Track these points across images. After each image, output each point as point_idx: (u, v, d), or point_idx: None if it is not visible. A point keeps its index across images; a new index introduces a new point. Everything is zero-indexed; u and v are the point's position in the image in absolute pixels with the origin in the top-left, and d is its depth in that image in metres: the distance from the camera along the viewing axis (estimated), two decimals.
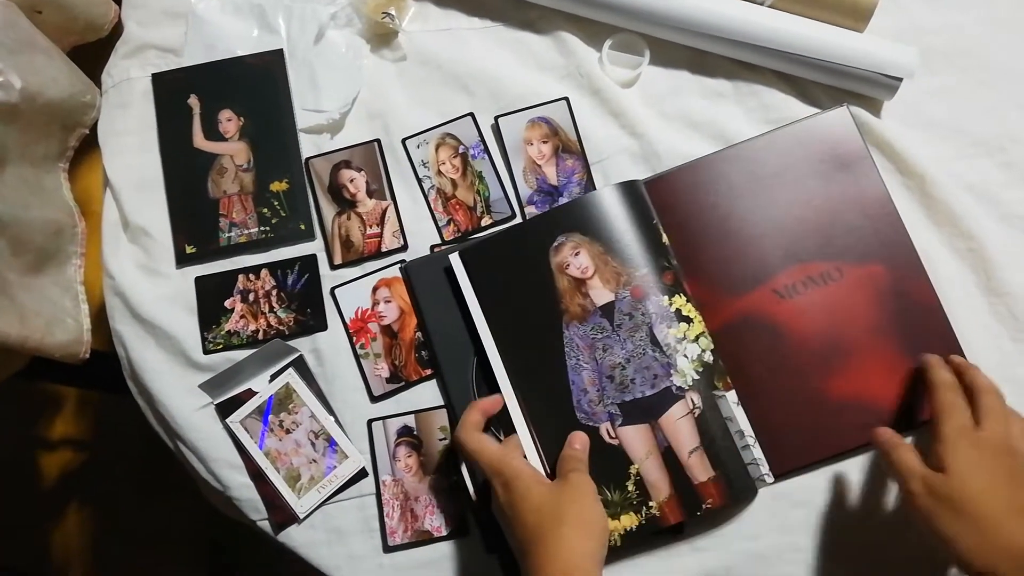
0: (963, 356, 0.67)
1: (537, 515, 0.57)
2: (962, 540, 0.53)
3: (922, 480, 0.56)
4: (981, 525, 0.53)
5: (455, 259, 0.70)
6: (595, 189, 0.73)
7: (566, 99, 0.76)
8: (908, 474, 0.56)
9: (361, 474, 0.70)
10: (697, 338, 0.66)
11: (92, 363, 0.84)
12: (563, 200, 0.73)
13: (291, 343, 0.73)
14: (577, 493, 0.59)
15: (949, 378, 0.61)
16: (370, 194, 0.75)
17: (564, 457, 0.63)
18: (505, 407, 0.67)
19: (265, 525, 0.70)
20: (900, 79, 0.72)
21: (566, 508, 0.57)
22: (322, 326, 0.73)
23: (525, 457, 0.64)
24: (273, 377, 0.72)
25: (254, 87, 0.78)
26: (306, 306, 0.73)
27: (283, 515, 0.70)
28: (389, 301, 0.73)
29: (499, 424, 0.67)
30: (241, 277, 0.74)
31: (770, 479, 0.65)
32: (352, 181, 0.76)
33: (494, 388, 0.68)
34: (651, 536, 0.65)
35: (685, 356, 0.65)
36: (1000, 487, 0.54)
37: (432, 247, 0.74)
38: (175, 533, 1.39)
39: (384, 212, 0.75)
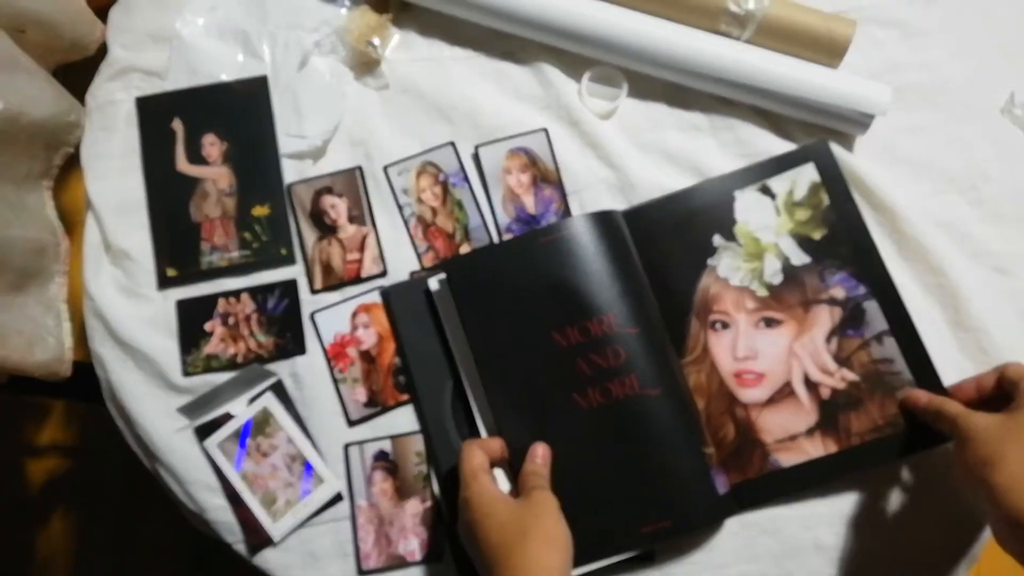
0: (942, 385, 0.68)
1: (501, 533, 0.57)
2: (1008, 460, 0.55)
3: (976, 417, 0.59)
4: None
5: (434, 282, 0.71)
6: None
7: (545, 130, 0.77)
8: (964, 415, 0.60)
9: (337, 498, 0.71)
10: None
11: (76, 377, 0.84)
12: None
13: (270, 367, 0.73)
14: (540, 509, 0.59)
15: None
16: (351, 220, 0.76)
17: (526, 473, 0.63)
18: (476, 427, 0.68)
19: (241, 547, 0.71)
20: (873, 116, 0.73)
21: (529, 524, 0.57)
22: (301, 350, 0.74)
23: (494, 477, 0.65)
24: (251, 401, 0.73)
25: (238, 112, 0.78)
26: (286, 330, 0.74)
27: (258, 538, 0.70)
28: (368, 326, 0.74)
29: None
30: (222, 301, 0.75)
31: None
32: (333, 207, 0.77)
33: (470, 412, 0.69)
34: (621, 561, 0.66)
35: None
36: None
37: (411, 273, 0.75)
38: (160, 541, 1.39)
39: (364, 238, 0.76)
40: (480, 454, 0.63)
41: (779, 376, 0.69)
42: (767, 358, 0.69)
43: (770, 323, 0.70)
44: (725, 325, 0.70)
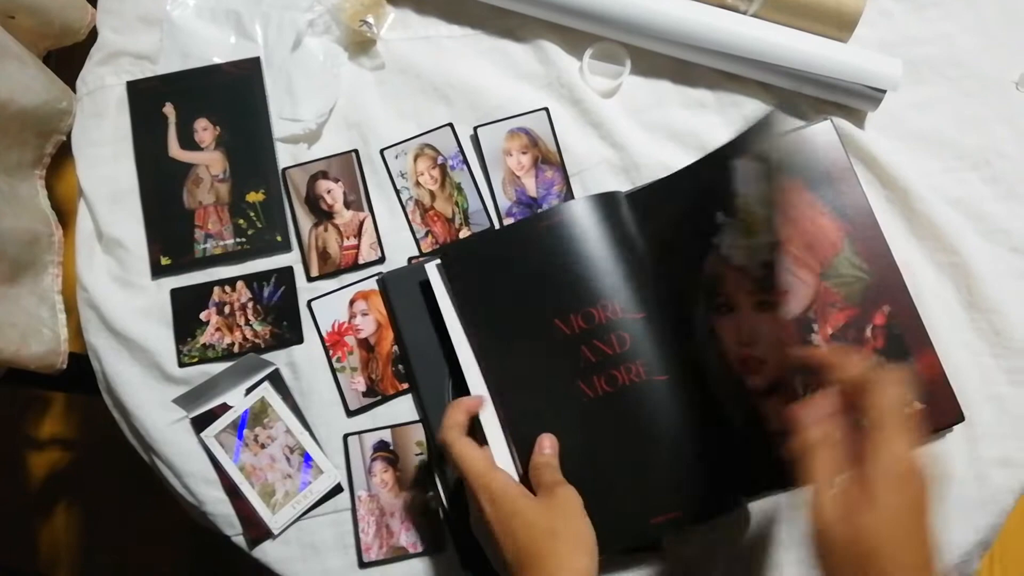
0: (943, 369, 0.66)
1: (529, 533, 0.55)
2: None
3: (832, 521, 0.47)
4: None
5: (431, 268, 0.69)
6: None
7: (546, 109, 0.75)
8: (817, 506, 0.48)
9: (336, 489, 0.70)
10: None
11: (74, 368, 0.83)
12: None
13: (267, 356, 0.72)
14: (567, 510, 0.57)
15: (890, 379, 0.51)
16: (347, 205, 0.75)
17: (537, 465, 0.61)
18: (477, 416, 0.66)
19: (240, 540, 0.70)
20: (884, 91, 0.71)
21: (559, 525, 0.56)
22: (298, 339, 0.72)
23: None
24: (248, 391, 0.71)
25: (230, 96, 0.77)
26: (282, 319, 0.73)
27: (258, 531, 0.69)
28: (366, 314, 0.72)
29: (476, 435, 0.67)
30: (217, 289, 0.74)
31: None
32: (329, 192, 0.75)
33: None
34: (630, 552, 0.64)
35: None
36: (916, 537, 0.46)
37: (410, 259, 0.74)
38: (164, 532, 1.39)
39: (361, 224, 0.74)
40: (483, 451, 0.61)
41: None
42: (766, 344, 0.66)
43: (766, 306, 0.67)
44: (729, 308, 0.68)
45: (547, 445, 0.63)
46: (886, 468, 0.47)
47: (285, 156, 0.76)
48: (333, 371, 0.71)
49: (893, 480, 0.46)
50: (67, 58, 0.88)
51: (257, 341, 0.72)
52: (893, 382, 0.50)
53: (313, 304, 0.73)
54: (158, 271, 0.74)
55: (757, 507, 0.67)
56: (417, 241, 0.74)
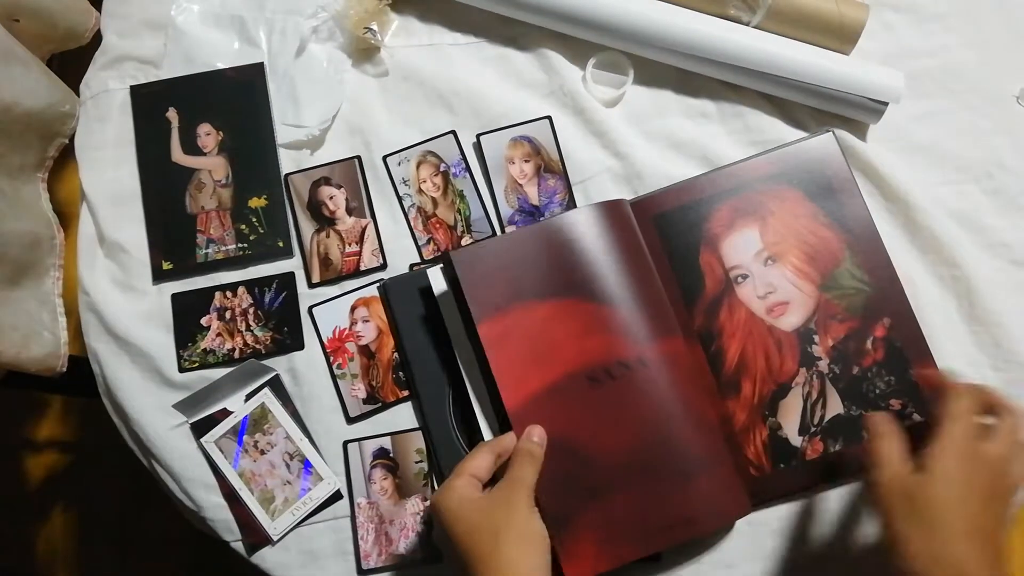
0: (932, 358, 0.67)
1: (471, 537, 0.54)
2: (911, 544, 0.52)
3: (895, 475, 0.54)
4: (935, 536, 0.51)
5: (435, 273, 0.68)
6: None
7: (549, 118, 0.75)
8: (883, 463, 0.55)
9: (336, 496, 0.69)
10: None
11: (74, 372, 0.83)
12: None
13: (267, 362, 0.72)
14: (510, 507, 0.55)
15: (965, 388, 0.58)
16: (349, 212, 0.75)
17: (519, 450, 0.59)
18: (477, 425, 0.66)
19: (239, 546, 0.70)
20: (886, 103, 0.71)
21: (501, 524, 0.54)
22: (299, 345, 0.72)
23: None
24: (249, 397, 0.71)
25: (234, 101, 0.77)
26: (283, 325, 0.73)
27: (257, 537, 0.69)
28: (367, 321, 0.72)
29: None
30: (218, 294, 0.74)
31: None
32: (331, 198, 0.75)
33: (470, 410, 0.67)
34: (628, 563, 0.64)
35: None
36: (971, 503, 0.52)
37: (411, 266, 0.74)
38: (161, 536, 1.39)
39: (363, 230, 0.74)
40: (485, 458, 0.58)
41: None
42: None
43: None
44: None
45: (536, 434, 0.60)
46: (943, 446, 0.54)
47: (288, 162, 0.76)
48: (333, 377, 0.71)
49: (950, 456, 0.53)
50: (71, 62, 0.88)
51: (258, 347, 0.72)
52: (966, 392, 0.57)
53: (314, 310, 0.73)
54: (159, 275, 0.74)
55: (747, 520, 0.67)
56: (419, 248, 0.74)
